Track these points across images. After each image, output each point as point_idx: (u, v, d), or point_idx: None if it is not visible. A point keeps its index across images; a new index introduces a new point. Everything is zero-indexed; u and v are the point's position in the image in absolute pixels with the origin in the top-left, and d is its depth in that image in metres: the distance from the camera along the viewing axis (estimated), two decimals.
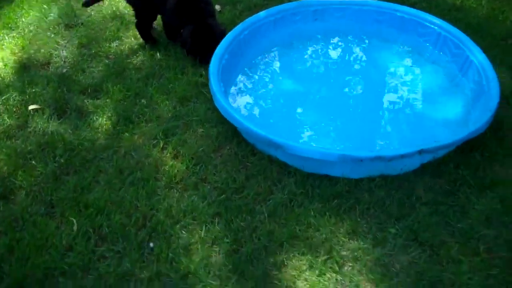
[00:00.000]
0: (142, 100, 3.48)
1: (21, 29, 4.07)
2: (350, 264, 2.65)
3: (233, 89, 3.60)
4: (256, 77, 3.73)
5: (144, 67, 3.74)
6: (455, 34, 3.63)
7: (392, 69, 3.77)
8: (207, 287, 2.55)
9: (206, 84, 3.48)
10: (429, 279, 2.56)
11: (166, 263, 2.64)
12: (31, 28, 4.08)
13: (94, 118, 3.38)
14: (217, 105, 3.18)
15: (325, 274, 2.60)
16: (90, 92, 3.57)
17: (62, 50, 3.91)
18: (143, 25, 3.85)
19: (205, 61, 3.60)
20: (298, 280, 2.58)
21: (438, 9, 4.21)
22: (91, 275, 2.60)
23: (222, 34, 3.61)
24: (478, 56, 3.45)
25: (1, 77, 3.68)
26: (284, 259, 2.66)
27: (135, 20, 3.88)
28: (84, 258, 2.66)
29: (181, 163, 3.10)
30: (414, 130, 3.35)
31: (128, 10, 4.03)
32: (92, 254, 2.68)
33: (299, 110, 3.49)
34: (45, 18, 4.17)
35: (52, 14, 4.20)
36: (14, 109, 3.44)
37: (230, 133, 3.23)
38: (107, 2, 4.28)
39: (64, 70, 3.73)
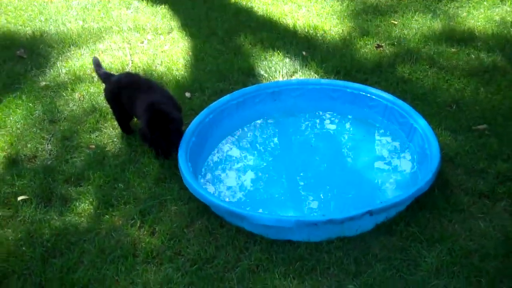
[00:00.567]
0: (120, 184, 3.80)
1: (9, 127, 4.43)
2: None
3: (203, 169, 3.95)
4: (224, 155, 4.08)
5: (122, 154, 4.09)
6: (399, 105, 4.04)
7: (345, 140, 4.15)
8: None
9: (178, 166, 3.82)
10: None
11: None
12: (18, 125, 4.44)
13: (77, 203, 3.69)
14: (186, 184, 3.52)
15: None
16: (73, 180, 3.90)
17: (47, 143, 4.26)
18: (119, 121, 4.24)
19: (167, 153, 3.94)
20: None
21: (387, 83, 4.64)
22: None
23: (178, 119, 3.90)
24: (420, 123, 3.84)
25: None
26: None
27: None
28: None
29: (157, 239, 3.40)
30: (369, 194, 3.69)
31: (105, 104, 4.41)
32: None
33: (261, 183, 3.83)
34: (31, 116, 4.55)
35: (37, 112, 4.58)
36: (5, 201, 3.75)
37: (200, 209, 3.54)
38: (87, 97, 4.68)
39: (49, 162, 4.07)
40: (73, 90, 4.82)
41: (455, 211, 3.48)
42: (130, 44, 5.50)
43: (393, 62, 4.90)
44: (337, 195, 3.71)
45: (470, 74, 4.67)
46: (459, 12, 5.62)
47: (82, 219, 3.60)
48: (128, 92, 4.07)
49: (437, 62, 4.86)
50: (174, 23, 5.82)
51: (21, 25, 5.98)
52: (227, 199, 3.70)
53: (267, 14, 5.85)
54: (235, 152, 4.12)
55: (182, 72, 4.98)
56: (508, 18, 5.44)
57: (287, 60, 5.03)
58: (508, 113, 4.21)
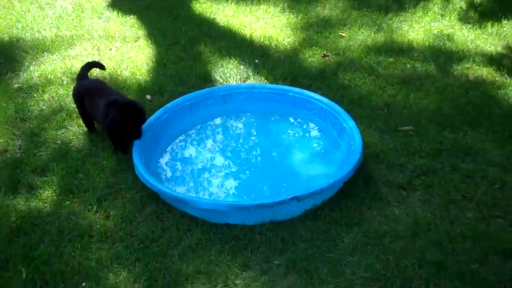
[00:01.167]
0: (80, 175, 4.25)
1: None
2: None
3: (161, 161, 4.41)
4: (177, 151, 4.55)
5: (84, 148, 4.54)
6: (333, 107, 4.52)
7: (286, 136, 4.64)
8: None
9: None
10: None
11: None
12: None
13: (41, 191, 4.13)
14: (137, 173, 3.99)
15: None
16: (39, 171, 4.34)
17: (17, 139, 4.69)
18: (83, 118, 4.69)
19: (126, 148, 4.36)
20: None
21: (329, 89, 5.14)
22: None
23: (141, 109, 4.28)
24: (349, 123, 4.33)
25: None
26: None
27: None
28: None
29: (111, 222, 3.85)
30: (303, 184, 4.16)
31: (72, 105, 4.86)
32: None
33: (209, 175, 4.31)
34: (4, 114, 4.98)
35: (9, 111, 5.02)
36: None
37: (151, 196, 3.99)
38: (56, 98, 5.13)
39: (18, 155, 4.50)
40: (43, 91, 5.27)
41: (374, 199, 3.96)
42: (100, 50, 5.97)
43: (336, 70, 5.41)
44: (275, 185, 4.19)
45: (404, 82, 5.19)
46: (402, 25, 6.15)
47: (46, 204, 4.04)
48: (90, 96, 4.51)
49: (376, 71, 5.37)
50: (141, 32, 6.29)
51: None
52: (173, 188, 4.16)
53: (227, 25, 6.34)
54: (188, 149, 4.58)
55: (145, 77, 5.45)
56: (445, 32, 5.98)
57: (241, 67, 5.52)
58: (431, 115, 4.72)
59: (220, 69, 5.49)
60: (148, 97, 5.15)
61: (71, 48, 6.03)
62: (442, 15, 6.35)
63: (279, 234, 3.71)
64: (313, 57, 5.63)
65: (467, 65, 5.42)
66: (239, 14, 6.56)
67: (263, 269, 3.48)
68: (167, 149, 4.55)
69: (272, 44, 5.90)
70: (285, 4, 6.70)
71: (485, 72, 5.31)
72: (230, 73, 5.41)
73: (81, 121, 4.75)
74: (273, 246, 3.64)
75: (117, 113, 4.20)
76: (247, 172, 4.33)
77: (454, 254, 3.49)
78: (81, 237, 3.75)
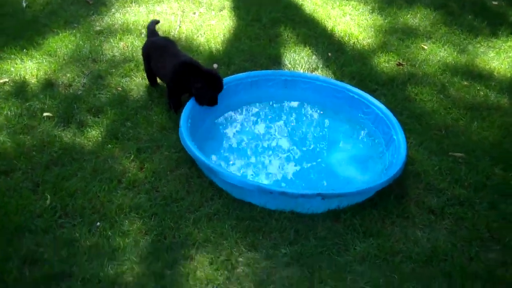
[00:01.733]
0: (129, 123, 4.43)
1: (57, 57, 5.14)
2: (242, 268, 3.43)
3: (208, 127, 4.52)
4: (228, 123, 4.64)
5: (140, 100, 4.71)
6: (388, 116, 4.45)
7: (335, 133, 4.62)
8: (129, 261, 3.39)
9: None
10: None
11: (104, 238, 3.51)
12: (66, 57, 5.15)
13: (90, 130, 4.34)
14: (179, 134, 4.10)
15: (219, 270, 3.40)
16: (93, 111, 4.55)
17: (84, 78, 4.93)
18: (147, 73, 4.85)
19: (214, 101, 4.47)
20: (198, 270, 3.39)
21: (393, 97, 5.04)
22: (48, 235, 3.50)
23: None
24: (399, 136, 4.25)
25: (31, 89, 4.71)
26: (193, 254, 3.47)
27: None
28: (48, 224, 3.56)
29: (142, 174, 4.01)
30: (337, 182, 4.15)
31: (140, 56, 5.04)
32: (54, 222, 3.58)
33: (250, 152, 4.37)
34: (78, 52, 5.25)
35: (84, 50, 5.28)
36: (33, 114, 4.45)
37: (187, 159, 4.11)
38: (130, 47, 5.34)
39: (79, 92, 4.74)
40: (120, 39, 5.49)
41: (400, 217, 3.89)
42: (184, 12, 6.13)
43: (406, 80, 5.29)
44: (308, 177, 4.20)
45: (471, 108, 5.00)
46: (488, 51, 5.91)
47: (89, 143, 4.24)
48: (158, 54, 4.65)
49: (446, 90, 5.21)
50: (227, 3, 6.40)
51: None
52: (214, 158, 4.25)
53: (312, 13, 6.33)
54: (237, 125, 4.66)
55: (218, 46, 5.55)
56: None
57: (313, 57, 5.51)
58: (488, 148, 4.54)
59: (292, 55, 5.50)
60: (215, 65, 5.25)
61: (158, 5, 6.22)
62: None
63: (294, 225, 3.73)
64: (387, 63, 5.53)
65: None
66: (327, 5, 6.52)
67: (268, 254, 3.53)
68: (217, 121, 4.62)
69: (351, 42, 5.84)
70: (376, 5, 6.58)
71: None
72: (300, 60, 5.41)
73: (145, 75, 4.91)
74: (286, 235, 3.66)
75: (203, 83, 4.35)
76: (289, 158, 4.36)
77: None
78: (111, 181, 3.92)
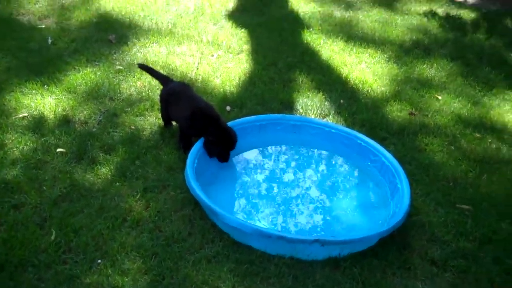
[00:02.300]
0: (138, 162, 4.53)
1: (77, 94, 5.31)
2: None
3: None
4: (235, 167, 4.72)
5: (152, 139, 4.82)
6: (394, 165, 4.47)
7: (343, 180, 4.67)
8: None
9: None
10: None
11: (104, 276, 3.57)
12: (84, 95, 5.31)
13: (100, 167, 4.44)
14: (185, 174, 4.18)
15: None
16: (105, 149, 4.67)
17: (100, 115, 5.08)
18: (163, 116, 4.98)
19: (223, 159, 4.57)
20: None
21: (403, 147, 5.06)
22: (51, 271, 3.57)
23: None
24: (403, 185, 4.27)
25: (48, 125, 4.85)
26: None
27: None
28: (51, 259, 3.63)
29: (147, 213, 4.08)
30: (340, 229, 4.19)
31: (158, 97, 5.16)
32: (58, 258, 3.65)
33: (257, 199, 4.44)
34: (97, 90, 5.41)
35: (103, 88, 5.44)
36: (47, 149, 4.58)
37: (191, 201, 4.17)
38: (146, 87, 5.49)
39: (94, 130, 4.87)
40: (138, 79, 5.64)
41: (402, 267, 3.87)
42: (202, 54, 6.29)
43: (417, 131, 5.31)
44: (318, 225, 4.25)
45: (482, 160, 5.00)
46: (504, 104, 5.92)
47: (99, 180, 4.35)
48: (175, 100, 4.77)
49: (458, 142, 5.21)
50: (246, 46, 6.54)
51: (122, 15, 6.94)
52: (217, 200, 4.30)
53: (328, 60, 6.43)
54: (243, 169, 4.73)
55: (232, 89, 5.67)
56: None
57: (326, 103, 5.59)
58: (496, 202, 4.51)
59: (304, 100, 5.58)
60: (228, 108, 5.35)
61: (178, 46, 6.39)
62: None
63: (293, 271, 3.74)
64: (399, 112, 5.57)
65: None
66: (344, 52, 6.62)
67: None
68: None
69: (365, 89, 5.91)
70: (394, 53, 6.66)
71: None
72: (312, 106, 5.49)
73: (160, 115, 5.03)
74: (284, 281, 3.68)
75: (217, 137, 4.47)
76: (295, 203, 4.41)
77: None
78: (116, 219, 4.00)
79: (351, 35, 7.01)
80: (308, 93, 5.73)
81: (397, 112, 5.58)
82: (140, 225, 4.00)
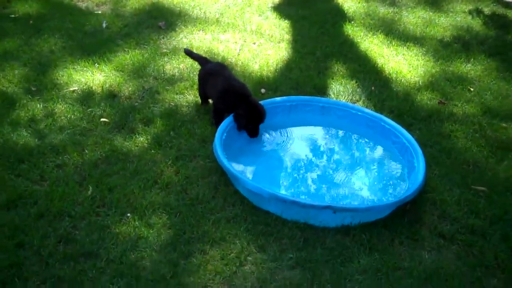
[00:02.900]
0: (173, 134, 4.92)
1: (124, 72, 5.77)
2: (249, 266, 3.77)
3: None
4: (264, 144, 5.03)
5: (188, 115, 5.19)
6: (414, 146, 4.67)
7: (363, 161, 4.91)
8: (149, 249, 3.82)
9: None
10: None
11: (132, 228, 3.97)
12: (131, 74, 5.76)
13: (138, 136, 4.86)
14: (213, 144, 4.54)
15: (228, 265, 3.76)
16: (145, 121, 5.08)
17: (143, 92, 5.51)
18: (200, 94, 5.35)
19: (253, 133, 4.90)
20: (209, 263, 3.76)
21: (428, 132, 5.22)
22: (85, 221, 4.00)
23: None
24: (420, 164, 4.47)
25: (95, 98, 5.32)
26: (207, 249, 3.85)
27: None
28: (86, 211, 4.07)
29: (177, 178, 4.45)
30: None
31: (196, 77, 5.55)
32: (92, 210, 4.09)
33: (276, 171, 4.76)
34: (143, 69, 5.85)
35: (148, 68, 5.88)
36: (92, 119, 5.04)
37: (219, 170, 4.51)
38: (188, 69, 5.89)
39: (136, 104, 5.30)
40: (182, 61, 6.04)
41: (410, 238, 4.07)
42: (245, 42, 6.63)
43: (444, 119, 5.45)
44: (339, 197, 4.51)
45: (504, 147, 5.09)
46: None
47: (136, 147, 4.76)
48: (212, 78, 5.14)
49: (483, 130, 5.32)
50: (287, 36, 6.84)
51: (174, 5, 7.38)
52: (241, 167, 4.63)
53: (366, 51, 6.63)
54: (270, 144, 5.05)
55: (269, 73, 5.98)
56: None
57: (358, 90, 5.81)
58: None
59: (337, 86, 5.82)
60: (263, 90, 5.67)
61: (223, 34, 6.77)
62: None
63: (305, 235, 4.03)
64: (429, 101, 5.72)
65: None
66: (383, 44, 6.80)
67: (276, 257, 3.84)
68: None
69: (398, 79, 6.08)
70: (432, 48, 6.79)
71: None
72: (344, 92, 5.72)
73: (198, 94, 5.41)
74: (295, 242, 3.97)
75: (245, 112, 4.79)
76: (316, 178, 4.72)
77: None
78: (148, 181, 4.40)
79: (392, 29, 7.18)
80: (342, 80, 5.97)
81: (426, 100, 5.74)
82: (169, 187, 4.37)
